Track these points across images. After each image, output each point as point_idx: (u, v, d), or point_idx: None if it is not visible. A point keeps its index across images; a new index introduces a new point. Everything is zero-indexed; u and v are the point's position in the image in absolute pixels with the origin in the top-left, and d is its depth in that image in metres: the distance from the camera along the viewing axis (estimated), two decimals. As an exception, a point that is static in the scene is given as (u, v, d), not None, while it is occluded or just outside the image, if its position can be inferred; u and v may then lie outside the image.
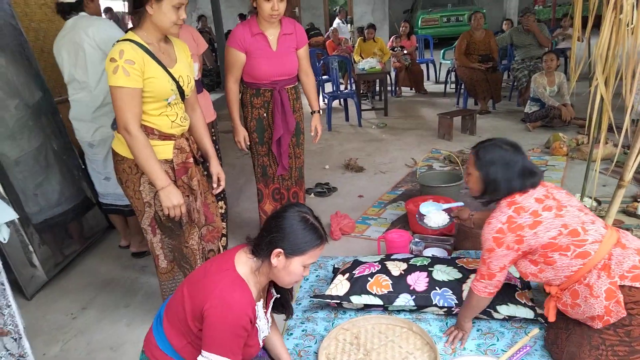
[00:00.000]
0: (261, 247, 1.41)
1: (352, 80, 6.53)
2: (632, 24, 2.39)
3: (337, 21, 10.15)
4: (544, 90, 5.03)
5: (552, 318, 1.78)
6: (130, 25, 2.88)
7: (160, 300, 2.43)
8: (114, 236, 3.24)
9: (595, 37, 2.50)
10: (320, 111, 2.86)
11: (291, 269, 1.41)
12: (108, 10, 8.38)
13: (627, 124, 2.32)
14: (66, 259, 2.86)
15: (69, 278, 2.80)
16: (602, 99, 2.43)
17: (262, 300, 1.50)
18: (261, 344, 1.53)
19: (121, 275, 2.79)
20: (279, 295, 1.59)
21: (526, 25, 6.00)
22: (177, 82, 1.89)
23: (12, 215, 1.66)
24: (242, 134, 2.66)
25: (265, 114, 2.66)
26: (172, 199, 1.85)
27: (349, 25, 10.56)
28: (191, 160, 2.00)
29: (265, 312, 1.55)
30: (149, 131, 1.86)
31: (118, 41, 1.79)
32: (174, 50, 1.95)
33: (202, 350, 1.35)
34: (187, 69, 1.99)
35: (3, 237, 1.62)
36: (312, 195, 3.75)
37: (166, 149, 1.92)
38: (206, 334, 1.34)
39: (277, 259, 1.39)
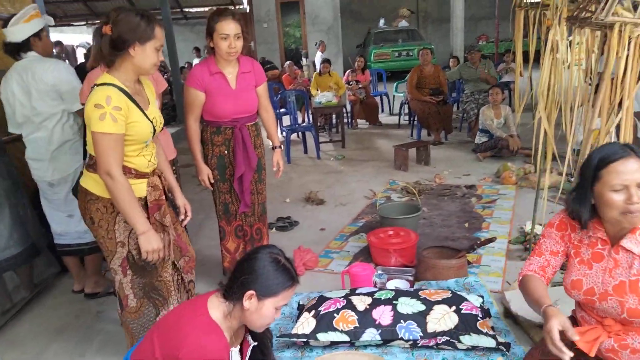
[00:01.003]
0: (233, 290, 1.41)
1: (310, 114, 6.64)
2: (567, 62, 2.61)
3: (318, 54, 10.34)
4: (491, 122, 5.31)
5: (593, 353, 1.52)
6: (81, 59, 2.90)
7: (118, 346, 2.33)
8: (66, 281, 3.09)
9: (536, 70, 2.69)
10: (282, 146, 2.90)
11: (263, 311, 1.41)
12: (58, 44, 8.18)
13: (569, 155, 2.49)
14: (15, 307, 2.69)
15: (19, 327, 2.63)
16: (545, 131, 2.60)
17: (238, 347, 1.48)
18: None
19: (75, 323, 2.65)
20: (256, 343, 1.57)
21: (472, 61, 6.37)
22: (152, 124, 1.89)
23: None
24: (205, 172, 2.66)
25: (226, 152, 2.67)
26: (153, 243, 1.82)
27: (304, 59, 10.79)
28: (163, 197, 1.98)
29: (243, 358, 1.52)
30: (126, 170, 1.83)
31: (98, 85, 1.76)
32: (145, 92, 1.95)
33: None
34: (157, 109, 2.01)
35: None
36: (274, 229, 3.73)
37: (141, 187, 1.89)
38: None
39: (250, 301, 1.39)
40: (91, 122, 1.72)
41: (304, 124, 6.75)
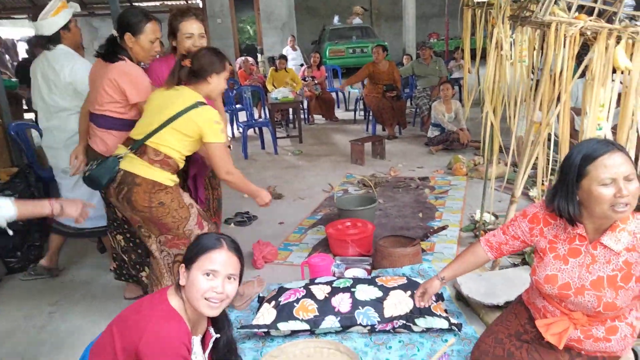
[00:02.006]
0: (178, 277, 1.45)
1: (266, 109, 6.64)
2: (510, 59, 2.76)
3: (286, 48, 10.22)
4: (442, 116, 5.51)
5: (561, 345, 1.61)
6: (22, 54, 3.05)
7: (74, 347, 2.28)
8: (15, 283, 2.98)
9: (483, 66, 2.83)
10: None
11: (194, 282, 1.40)
12: (-3, 39, 7.77)
13: (513, 145, 2.64)
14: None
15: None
16: (492, 124, 2.75)
17: (200, 335, 1.48)
18: None
19: (25, 325, 2.56)
20: (218, 335, 1.56)
21: (424, 57, 6.57)
22: None
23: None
24: None
25: None
26: (265, 198, 2.41)
27: (259, 55, 10.73)
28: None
29: (204, 351, 1.52)
30: (173, 170, 2.17)
31: (202, 103, 2.14)
32: None
33: None
34: None
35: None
36: (232, 225, 3.73)
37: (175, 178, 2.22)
38: None
39: (183, 276, 1.41)
40: (214, 134, 2.11)
41: (261, 119, 6.73)
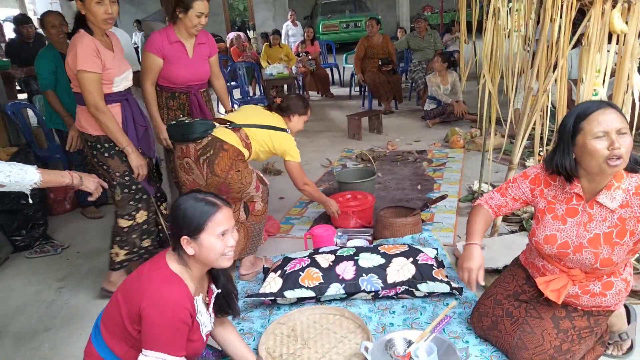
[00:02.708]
0: (174, 243, 1.45)
1: (261, 86, 6.61)
2: (507, 28, 2.77)
3: (287, 23, 9.93)
4: (437, 88, 5.52)
5: (560, 301, 1.67)
6: (9, 34, 2.95)
7: (84, 318, 2.34)
8: (21, 261, 3.02)
9: (479, 40, 2.84)
10: (233, 110, 2.99)
11: (206, 247, 1.42)
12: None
13: (511, 114, 2.68)
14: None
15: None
16: (489, 94, 2.77)
17: (201, 295, 1.51)
18: (205, 338, 1.55)
19: (35, 299, 2.61)
20: (220, 291, 1.61)
21: (419, 30, 6.53)
22: None
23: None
24: (165, 131, 2.74)
25: (182, 115, 2.83)
26: (333, 206, 2.96)
27: (251, 31, 10.59)
28: None
29: (207, 307, 1.57)
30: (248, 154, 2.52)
31: (286, 130, 2.66)
32: None
33: (142, 350, 1.34)
34: None
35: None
36: (233, 200, 3.76)
37: None
38: (145, 333, 1.34)
39: (189, 246, 1.42)
40: (293, 154, 2.62)
41: (256, 96, 6.71)
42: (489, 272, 2.34)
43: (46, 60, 3.20)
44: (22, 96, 5.60)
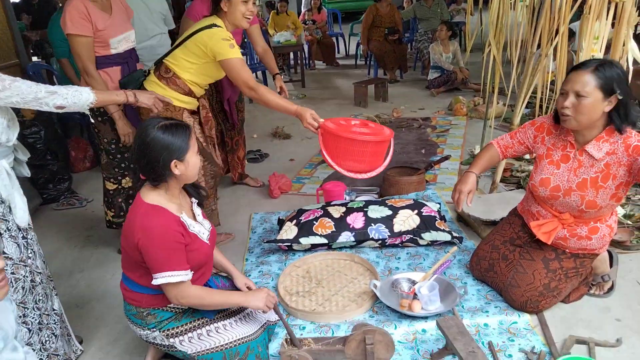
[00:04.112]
0: (159, 173, 1.52)
1: (269, 53, 6.69)
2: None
3: None
4: (440, 56, 5.66)
5: (550, 241, 1.88)
6: None
7: (114, 262, 2.55)
8: (49, 213, 3.23)
9: (485, 12, 2.96)
10: (280, 74, 3.22)
11: (192, 164, 1.56)
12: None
13: (513, 80, 2.82)
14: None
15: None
16: (494, 61, 2.90)
17: (184, 211, 1.62)
18: (208, 242, 1.67)
19: (67, 245, 2.82)
20: (197, 201, 1.75)
21: (425, 0, 6.59)
22: None
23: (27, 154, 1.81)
24: None
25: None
26: (307, 116, 2.47)
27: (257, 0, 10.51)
28: (210, 115, 2.58)
29: (195, 217, 1.69)
30: (188, 92, 2.31)
31: (216, 25, 2.21)
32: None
33: (153, 276, 1.51)
34: None
35: (27, 172, 1.79)
36: (246, 161, 3.94)
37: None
38: (148, 261, 1.51)
39: (177, 168, 1.53)
40: (222, 51, 2.17)
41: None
42: (487, 224, 2.55)
43: (58, 28, 3.16)
44: (35, 60, 5.71)
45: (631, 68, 2.25)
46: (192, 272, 1.56)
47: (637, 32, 6.49)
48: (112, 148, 2.48)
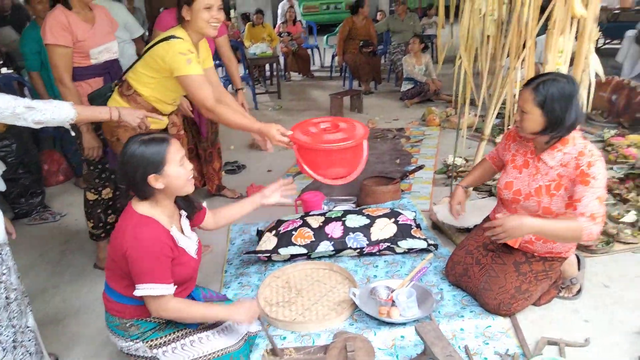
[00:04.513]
0: (141, 189, 1.53)
1: (245, 65, 6.72)
2: (483, 12, 3.00)
3: (284, 2, 9.53)
4: (413, 68, 5.82)
5: (517, 245, 1.98)
6: None
7: (91, 275, 2.52)
8: (22, 228, 3.16)
9: (456, 25, 3.07)
10: (243, 88, 3.28)
11: (173, 175, 1.54)
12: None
13: (484, 92, 2.93)
14: None
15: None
16: (465, 74, 3.01)
17: (174, 225, 1.64)
18: (195, 256, 1.69)
19: (41, 261, 2.76)
20: (187, 214, 1.75)
21: (399, 13, 6.75)
22: None
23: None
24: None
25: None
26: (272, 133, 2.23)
27: (232, 10, 10.57)
28: (182, 132, 2.44)
29: (183, 232, 1.69)
30: (144, 107, 2.15)
31: (175, 37, 2.07)
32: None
33: (135, 286, 1.51)
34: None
35: (3, 186, 1.79)
36: (223, 173, 3.94)
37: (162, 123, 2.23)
38: (133, 271, 1.51)
39: (158, 182, 1.52)
40: (178, 66, 2.02)
41: (240, 74, 6.81)
42: (461, 231, 2.62)
43: (30, 41, 3.15)
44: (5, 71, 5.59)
45: (593, 80, 2.37)
46: (176, 286, 1.57)
47: (598, 47, 6.78)
48: (94, 159, 2.46)
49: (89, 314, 2.23)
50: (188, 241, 1.68)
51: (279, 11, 9.15)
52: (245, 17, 8.73)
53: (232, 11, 10.69)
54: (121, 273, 1.58)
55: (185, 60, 2.01)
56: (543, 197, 1.90)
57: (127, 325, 1.62)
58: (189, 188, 1.64)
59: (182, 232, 1.69)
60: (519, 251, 2.01)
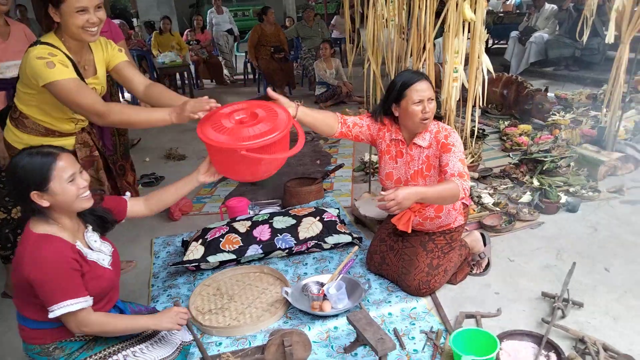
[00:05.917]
0: (28, 207, 1.44)
1: (155, 74, 6.51)
2: (385, 17, 3.20)
3: (211, 9, 8.84)
4: (324, 72, 6.02)
5: (409, 230, 2.11)
6: None
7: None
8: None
9: (362, 30, 3.25)
10: None
11: (60, 193, 1.44)
12: None
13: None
14: None
15: None
16: (374, 76, 3.19)
17: (79, 240, 1.54)
18: (110, 267, 1.60)
19: None
20: (90, 227, 1.64)
21: (307, 19, 6.93)
22: None
23: None
24: None
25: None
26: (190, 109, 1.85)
27: (135, 19, 10.16)
28: (96, 153, 2.16)
29: (90, 246, 1.60)
30: (49, 132, 1.94)
31: (41, 42, 1.81)
32: (94, 61, 1.97)
33: (48, 309, 1.42)
34: (103, 78, 2.04)
35: None
36: (140, 186, 3.80)
37: (68, 143, 2.01)
38: (42, 295, 1.42)
39: (42, 200, 1.43)
40: (40, 74, 1.71)
41: (149, 85, 6.58)
42: (381, 223, 2.77)
43: None
44: None
45: (486, 77, 2.63)
46: (93, 298, 1.49)
47: (488, 47, 7.43)
48: (2, 176, 2.31)
49: (2, 348, 2.06)
50: (98, 254, 1.59)
51: (207, 19, 8.65)
52: (150, 26, 8.44)
53: (135, 20, 10.28)
54: (29, 299, 1.47)
55: (45, 64, 1.69)
56: (419, 181, 2.13)
57: (51, 349, 1.53)
58: (83, 204, 1.51)
59: (89, 247, 1.58)
60: (421, 232, 2.21)
